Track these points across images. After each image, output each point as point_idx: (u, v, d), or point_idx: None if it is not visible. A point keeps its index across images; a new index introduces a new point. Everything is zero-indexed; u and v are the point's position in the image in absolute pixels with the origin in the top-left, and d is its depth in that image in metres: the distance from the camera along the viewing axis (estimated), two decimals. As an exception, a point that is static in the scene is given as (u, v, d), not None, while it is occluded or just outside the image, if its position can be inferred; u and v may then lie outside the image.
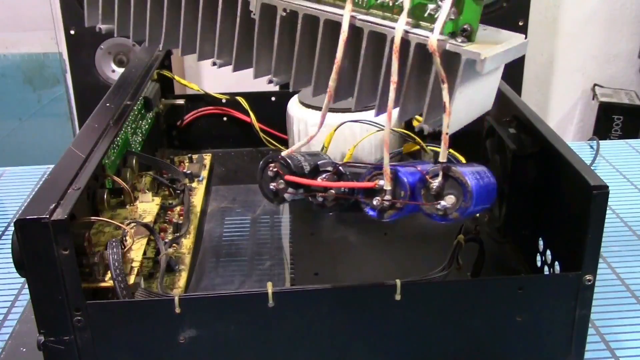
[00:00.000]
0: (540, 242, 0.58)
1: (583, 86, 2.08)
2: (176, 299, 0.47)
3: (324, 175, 0.47)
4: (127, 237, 0.54)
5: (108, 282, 0.50)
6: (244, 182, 0.80)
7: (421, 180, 0.45)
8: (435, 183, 0.44)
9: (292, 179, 0.47)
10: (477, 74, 0.44)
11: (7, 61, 2.01)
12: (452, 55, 0.43)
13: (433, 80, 0.44)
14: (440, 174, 0.44)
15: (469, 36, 0.43)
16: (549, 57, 2.05)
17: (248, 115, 0.85)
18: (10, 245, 0.47)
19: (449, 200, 0.44)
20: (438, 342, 0.51)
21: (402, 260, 0.65)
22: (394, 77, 0.44)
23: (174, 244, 0.62)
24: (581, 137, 2.12)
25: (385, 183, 0.45)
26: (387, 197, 0.45)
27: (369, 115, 0.75)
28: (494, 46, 0.45)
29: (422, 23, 0.44)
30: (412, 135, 0.77)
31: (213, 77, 2.08)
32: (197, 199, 0.72)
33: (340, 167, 0.47)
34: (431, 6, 0.44)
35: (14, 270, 0.47)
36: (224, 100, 0.86)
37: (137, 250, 0.55)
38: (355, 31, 0.46)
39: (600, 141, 0.97)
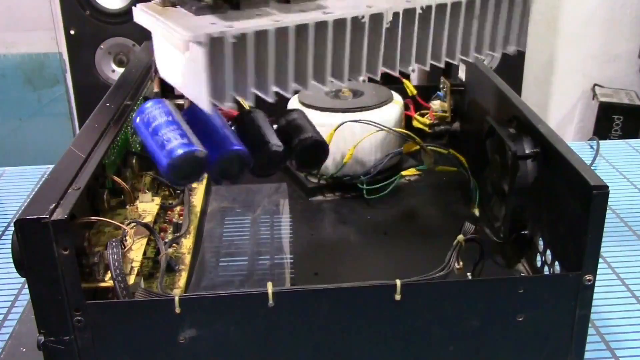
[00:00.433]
0: (540, 242, 0.58)
1: (583, 86, 2.08)
2: (176, 299, 0.47)
3: None
4: (127, 237, 0.54)
5: (108, 282, 0.50)
6: (244, 182, 0.80)
7: None
8: None
9: None
10: None
11: (7, 61, 2.01)
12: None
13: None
14: None
15: None
16: (549, 57, 2.05)
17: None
18: (10, 245, 0.47)
19: None
20: (438, 342, 0.51)
21: (402, 260, 0.65)
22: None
23: (174, 244, 0.62)
24: (581, 137, 2.12)
25: None
26: None
27: (369, 115, 0.75)
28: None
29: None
30: (412, 135, 0.77)
31: (213, 77, 2.08)
32: (197, 199, 0.72)
33: None
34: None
35: (14, 270, 0.47)
36: (224, 100, 0.86)
37: (137, 250, 0.55)
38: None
39: (600, 141, 0.97)
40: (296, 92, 0.56)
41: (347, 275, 0.63)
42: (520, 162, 0.58)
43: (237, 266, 0.63)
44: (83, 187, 0.49)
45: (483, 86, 0.74)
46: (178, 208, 0.67)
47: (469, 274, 0.56)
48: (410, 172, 0.79)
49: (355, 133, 0.74)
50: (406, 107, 0.84)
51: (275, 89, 0.50)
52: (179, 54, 0.46)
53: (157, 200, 0.62)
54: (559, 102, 2.12)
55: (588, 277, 0.49)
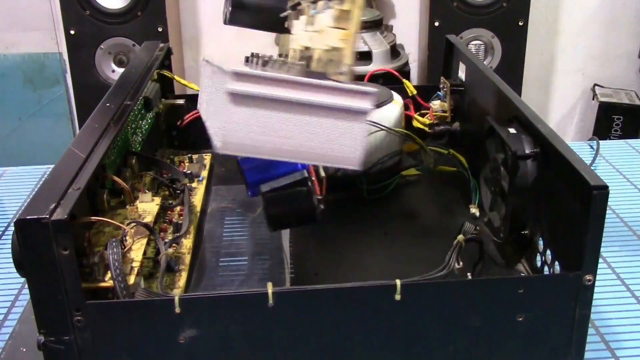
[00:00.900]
0: (540, 242, 0.58)
1: (583, 86, 2.08)
2: (176, 299, 0.47)
3: None
4: (127, 237, 0.54)
5: (108, 282, 0.50)
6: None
7: None
8: None
9: None
10: None
11: (7, 61, 2.01)
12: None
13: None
14: None
15: None
16: (549, 57, 2.05)
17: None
18: (10, 245, 0.47)
19: None
20: (438, 342, 0.51)
21: (402, 260, 0.65)
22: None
23: (174, 244, 0.62)
24: (581, 137, 2.12)
25: None
26: None
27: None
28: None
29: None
30: (412, 135, 0.77)
31: (213, 77, 2.08)
32: (197, 199, 0.72)
33: None
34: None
35: (14, 270, 0.47)
36: (224, 100, 0.86)
37: (137, 250, 0.55)
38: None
39: (600, 141, 0.97)
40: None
41: (347, 275, 0.63)
42: (520, 162, 0.58)
43: (237, 266, 0.63)
44: (83, 187, 0.49)
45: (483, 86, 0.74)
46: (178, 208, 0.67)
47: (469, 274, 0.56)
48: (410, 172, 0.79)
49: (355, 133, 0.74)
50: (406, 107, 0.84)
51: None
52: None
53: (157, 200, 0.62)
54: (559, 102, 2.12)
55: (588, 277, 0.49)
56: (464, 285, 0.51)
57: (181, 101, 0.86)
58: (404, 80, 0.88)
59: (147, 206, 0.61)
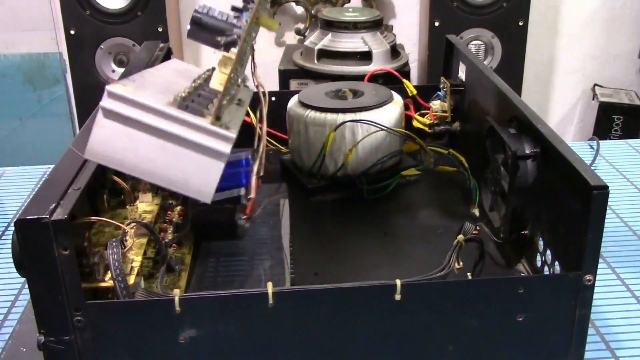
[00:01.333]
0: (540, 242, 0.58)
1: (583, 86, 2.08)
2: (176, 299, 0.47)
3: None
4: (127, 237, 0.54)
5: (108, 282, 0.50)
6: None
7: None
8: None
9: None
10: None
11: (7, 61, 2.01)
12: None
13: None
14: None
15: None
16: (549, 57, 2.05)
17: (248, 115, 0.85)
18: (10, 245, 0.47)
19: None
20: (438, 342, 0.51)
21: (402, 260, 0.65)
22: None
23: (174, 244, 0.62)
24: (581, 137, 2.12)
25: None
26: None
27: (369, 115, 0.75)
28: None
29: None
30: (412, 135, 0.77)
31: (213, 77, 2.08)
32: (197, 199, 0.72)
33: None
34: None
35: (14, 270, 0.47)
36: (224, 100, 0.86)
37: (137, 250, 0.55)
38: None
39: (600, 141, 0.97)
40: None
41: (347, 275, 0.63)
42: (520, 162, 0.58)
43: (237, 266, 0.63)
44: (83, 187, 0.49)
45: (483, 86, 0.74)
46: (178, 208, 0.67)
47: (469, 274, 0.56)
48: (410, 172, 0.79)
49: (355, 133, 0.74)
50: (406, 107, 0.84)
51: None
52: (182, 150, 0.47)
53: (157, 200, 0.62)
54: (559, 102, 2.12)
55: (588, 277, 0.49)
56: (464, 285, 0.51)
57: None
58: (404, 80, 0.88)
59: (147, 206, 0.61)
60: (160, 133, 0.46)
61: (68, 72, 1.90)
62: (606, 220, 0.48)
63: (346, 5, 1.81)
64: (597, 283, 0.49)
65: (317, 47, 1.57)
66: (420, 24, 1.90)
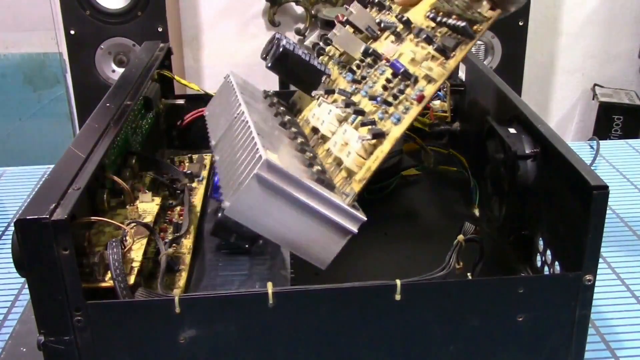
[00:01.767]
0: (540, 242, 0.58)
1: (583, 86, 2.08)
2: (176, 299, 0.47)
3: None
4: (127, 237, 0.54)
5: (108, 282, 0.50)
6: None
7: None
8: None
9: None
10: None
11: (7, 61, 2.01)
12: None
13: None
14: None
15: None
16: (549, 57, 2.05)
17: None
18: (10, 245, 0.47)
19: None
20: (438, 342, 0.51)
21: (402, 260, 0.65)
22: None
23: (174, 244, 0.62)
24: (581, 137, 2.12)
25: None
26: None
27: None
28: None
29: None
30: (412, 135, 0.77)
31: (213, 77, 2.08)
32: (197, 199, 0.72)
33: None
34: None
35: (14, 270, 0.47)
36: (224, 100, 0.86)
37: (137, 250, 0.55)
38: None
39: (600, 141, 0.97)
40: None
41: (347, 275, 0.63)
42: (520, 162, 0.58)
43: (237, 266, 0.63)
44: (83, 187, 0.49)
45: (483, 86, 0.74)
46: (178, 208, 0.67)
47: (469, 274, 0.56)
48: (410, 172, 0.79)
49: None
50: (406, 107, 0.83)
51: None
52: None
53: (157, 200, 0.62)
54: (559, 102, 2.12)
55: (588, 277, 0.49)
56: (464, 285, 0.51)
57: (181, 101, 0.86)
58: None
59: (147, 206, 0.61)
60: (300, 204, 0.50)
61: (68, 72, 1.90)
62: (606, 220, 0.48)
63: (346, 5, 1.81)
64: (597, 283, 0.49)
65: (317, 47, 1.57)
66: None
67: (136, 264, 0.53)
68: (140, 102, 0.73)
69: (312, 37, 1.63)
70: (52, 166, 0.53)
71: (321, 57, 0.71)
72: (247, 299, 0.48)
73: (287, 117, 0.64)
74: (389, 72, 0.59)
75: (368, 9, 0.71)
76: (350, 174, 0.55)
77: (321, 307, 0.49)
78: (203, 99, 0.86)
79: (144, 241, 0.56)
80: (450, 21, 0.56)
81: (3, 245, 0.75)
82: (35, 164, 0.94)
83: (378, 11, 0.72)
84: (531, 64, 1.87)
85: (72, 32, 1.73)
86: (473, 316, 0.50)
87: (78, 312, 0.47)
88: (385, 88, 0.59)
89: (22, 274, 0.46)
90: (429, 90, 0.55)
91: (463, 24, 0.55)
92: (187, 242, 0.64)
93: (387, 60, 0.60)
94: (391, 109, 0.57)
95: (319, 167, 0.54)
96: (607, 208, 0.48)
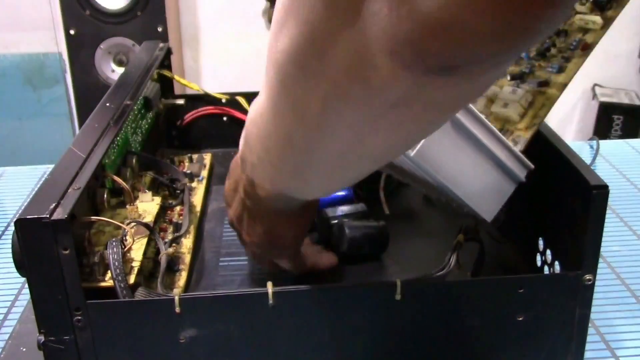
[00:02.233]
0: (540, 242, 0.58)
1: (583, 86, 2.08)
2: (176, 298, 0.47)
3: None
4: (127, 237, 0.54)
5: (108, 282, 0.50)
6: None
7: None
8: None
9: None
10: None
11: (7, 61, 2.01)
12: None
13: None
14: None
15: None
16: (549, 57, 2.05)
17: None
18: (10, 245, 0.47)
19: None
20: (438, 342, 0.51)
21: (402, 260, 0.65)
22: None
23: (174, 244, 0.62)
24: (581, 137, 2.12)
25: None
26: None
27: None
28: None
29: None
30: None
31: (213, 77, 2.09)
32: (197, 199, 0.72)
33: None
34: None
35: (14, 270, 0.47)
36: (223, 100, 0.86)
37: (137, 250, 0.55)
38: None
39: (600, 141, 0.97)
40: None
41: (347, 275, 0.63)
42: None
43: (237, 266, 0.63)
44: (83, 187, 0.49)
45: (483, 86, 0.74)
46: (178, 208, 0.67)
47: (469, 273, 0.56)
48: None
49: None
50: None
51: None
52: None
53: (157, 200, 0.62)
54: (559, 102, 2.12)
55: (588, 277, 0.49)
56: (464, 285, 0.51)
57: (181, 101, 0.86)
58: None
59: (147, 206, 0.61)
60: (480, 146, 0.50)
61: (68, 72, 1.90)
62: (606, 220, 0.48)
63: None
64: (597, 283, 0.49)
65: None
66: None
67: (136, 264, 0.53)
68: (140, 102, 0.73)
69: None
70: (52, 166, 0.53)
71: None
72: (247, 298, 0.48)
73: None
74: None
75: None
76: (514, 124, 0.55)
77: (321, 307, 0.49)
78: (203, 98, 0.87)
79: (144, 241, 0.56)
80: None
81: (3, 245, 0.75)
82: (35, 164, 0.94)
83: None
84: (531, 64, 1.87)
85: (72, 32, 1.73)
86: (473, 316, 0.50)
87: (78, 312, 0.47)
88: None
89: (22, 273, 0.46)
90: (590, 38, 0.56)
91: None
92: (187, 242, 0.64)
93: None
94: (543, 64, 0.57)
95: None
96: (607, 208, 0.48)
